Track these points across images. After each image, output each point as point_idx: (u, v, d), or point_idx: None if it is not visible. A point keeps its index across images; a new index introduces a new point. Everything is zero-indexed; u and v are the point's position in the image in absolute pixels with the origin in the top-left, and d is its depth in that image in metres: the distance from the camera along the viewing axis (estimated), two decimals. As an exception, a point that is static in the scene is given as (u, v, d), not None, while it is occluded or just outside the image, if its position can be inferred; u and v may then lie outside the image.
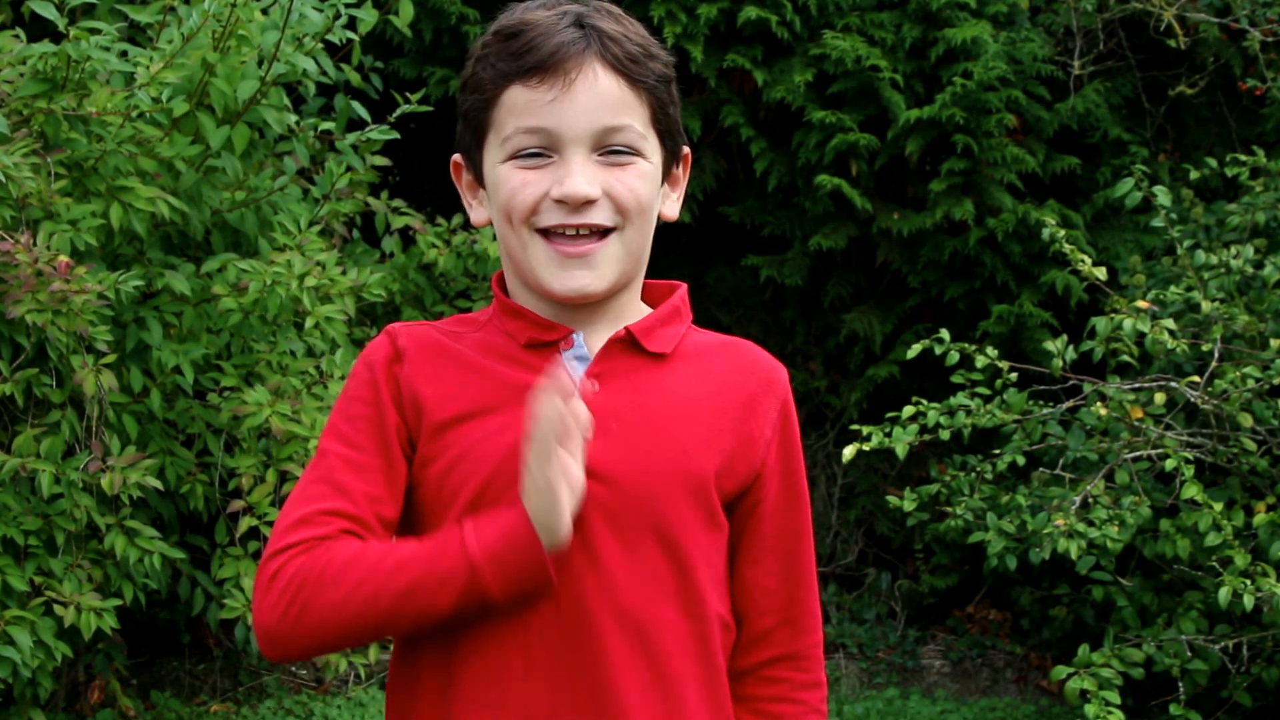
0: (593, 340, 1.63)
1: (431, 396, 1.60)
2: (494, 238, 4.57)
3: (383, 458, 1.60)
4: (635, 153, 1.60)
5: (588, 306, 1.63)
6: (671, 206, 1.69)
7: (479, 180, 1.66)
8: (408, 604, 1.51)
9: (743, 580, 1.66)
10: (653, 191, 1.62)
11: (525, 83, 1.58)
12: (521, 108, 1.58)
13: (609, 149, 1.58)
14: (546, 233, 1.59)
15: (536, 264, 1.60)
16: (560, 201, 1.57)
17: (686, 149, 1.70)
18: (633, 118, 1.60)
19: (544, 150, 1.58)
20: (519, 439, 1.55)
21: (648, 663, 1.58)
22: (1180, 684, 4.31)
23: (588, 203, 1.57)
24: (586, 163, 1.57)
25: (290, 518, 1.57)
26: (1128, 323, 4.30)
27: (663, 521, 1.58)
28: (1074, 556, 4.12)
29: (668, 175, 1.67)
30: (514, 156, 1.59)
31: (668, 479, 1.59)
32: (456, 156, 1.69)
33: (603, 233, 1.59)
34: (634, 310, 1.67)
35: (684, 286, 1.71)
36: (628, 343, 1.63)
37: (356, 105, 4.42)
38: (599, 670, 1.56)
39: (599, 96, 1.58)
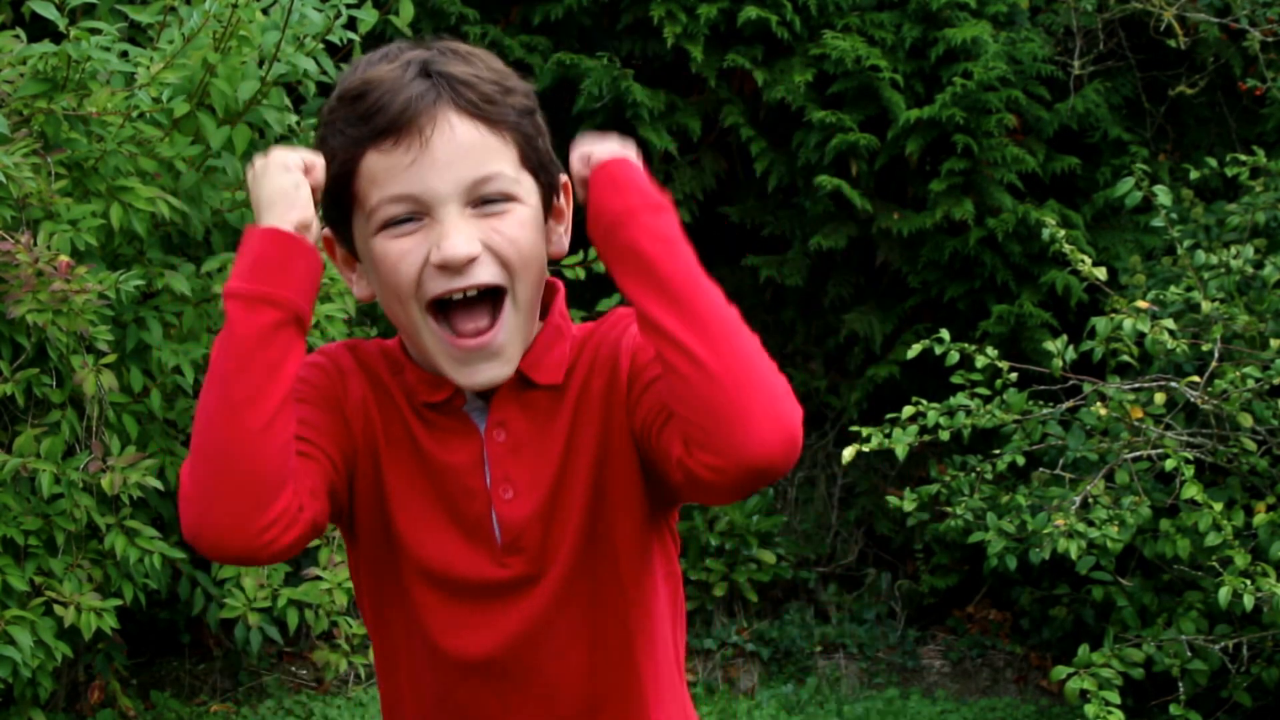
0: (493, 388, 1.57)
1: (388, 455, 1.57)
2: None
3: (337, 429, 1.55)
4: (510, 198, 1.51)
5: None
6: (560, 241, 1.59)
7: (353, 254, 1.58)
8: (214, 382, 1.43)
9: (663, 425, 1.51)
10: (535, 236, 1.53)
11: (379, 147, 1.48)
12: (382, 175, 1.48)
13: (482, 199, 1.50)
14: (436, 305, 1.51)
15: (438, 356, 1.52)
16: (442, 266, 1.48)
17: (564, 176, 1.60)
18: (501, 163, 1.50)
19: (414, 214, 1.49)
20: (437, 521, 1.54)
21: (621, 671, 1.57)
22: (1180, 684, 4.31)
23: (470, 260, 1.49)
24: (461, 219, 1.48)
25: None
26: (1128, 323, 4.30)
27: (601, 546, 1.55)
28: (1074, 556, 4.12)
29: (549, 210, 1.58)
30: (384, 227, 1.50)
31: (597, 515, 1.55)
32: (326, 231, 1.59)
33: (492, 294, 1.51)
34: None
35: (559, 294, 1.61)
36: (519, 383, 1.55)
37: (357, 105, 4.42)
38: (560, 680, 1.56)
39: (460, 148, 1.48)
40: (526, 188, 1.53)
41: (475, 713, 1.57)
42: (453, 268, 1.48)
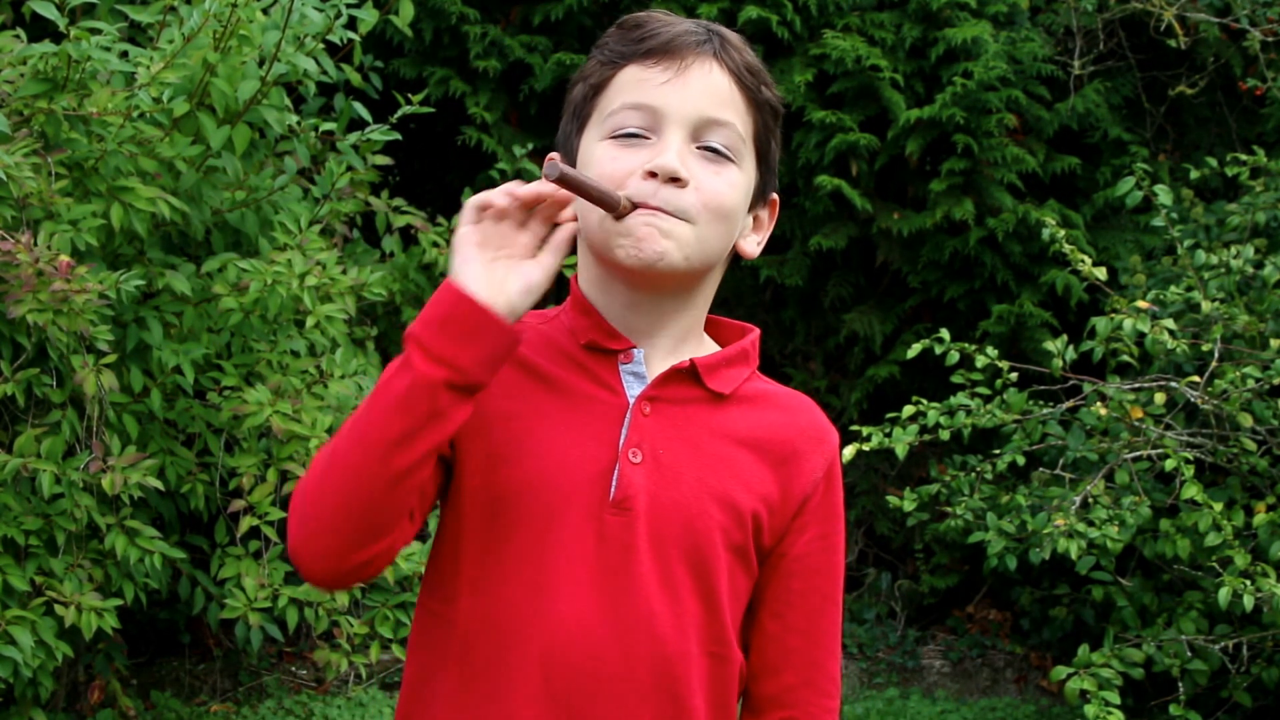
0: (652, 360, 1.60)
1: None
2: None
3: None
4: (731, 159, 1.57)
5: (655, 319, 1.59)
6: (751, 243, 1.65)
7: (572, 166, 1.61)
8: (371, 415, 1.46)
9: (764, 632, 1.63)
10: (738, 203, 1.59)
11: (642, 63, 1.58)
12: (631, 85, 1.57)
13: (707, 145, 1.56)
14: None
15: (611, 232, 1.54)
16: (651, 175, 1.53)
17: (775, 195, 1.67)
18: (738, 120, 1.58)
19: (643, 131, 1.56)
20: (567, 444, 1.54)
21: (670, 696, 1.55)
22: (1180, 684, 4.31)
23: (675, 180, 1.53)
24: (683, 146, 1.55)
25: None
26: (1128, 323, 4.30)
27: (699, 557, 1.56)
28: (1074, 556, 4.12)
29: (754, 205, 1.64)
30: (613, 136, 1.57)
31: (709, 516, 1.56)
32: (554, 153, 1.63)
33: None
34: (697, 338, 1.64)
35: (757, 331, 1.68)
36: (689, 374, 1.59)
37: (357, 105, 4.42)
38: (624, 700, 1.54)
39: (710, 88, 1.57)
40: (747, 162, 1.60)
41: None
42: (661, 176, 1.53)
